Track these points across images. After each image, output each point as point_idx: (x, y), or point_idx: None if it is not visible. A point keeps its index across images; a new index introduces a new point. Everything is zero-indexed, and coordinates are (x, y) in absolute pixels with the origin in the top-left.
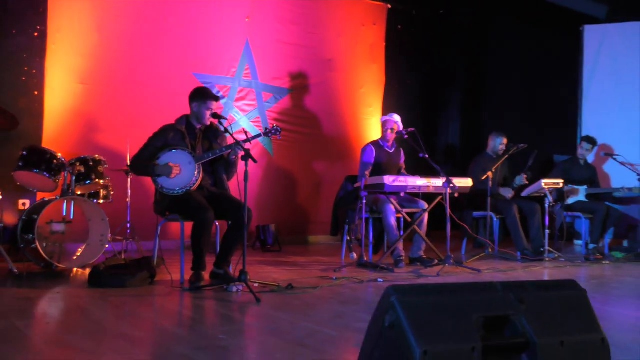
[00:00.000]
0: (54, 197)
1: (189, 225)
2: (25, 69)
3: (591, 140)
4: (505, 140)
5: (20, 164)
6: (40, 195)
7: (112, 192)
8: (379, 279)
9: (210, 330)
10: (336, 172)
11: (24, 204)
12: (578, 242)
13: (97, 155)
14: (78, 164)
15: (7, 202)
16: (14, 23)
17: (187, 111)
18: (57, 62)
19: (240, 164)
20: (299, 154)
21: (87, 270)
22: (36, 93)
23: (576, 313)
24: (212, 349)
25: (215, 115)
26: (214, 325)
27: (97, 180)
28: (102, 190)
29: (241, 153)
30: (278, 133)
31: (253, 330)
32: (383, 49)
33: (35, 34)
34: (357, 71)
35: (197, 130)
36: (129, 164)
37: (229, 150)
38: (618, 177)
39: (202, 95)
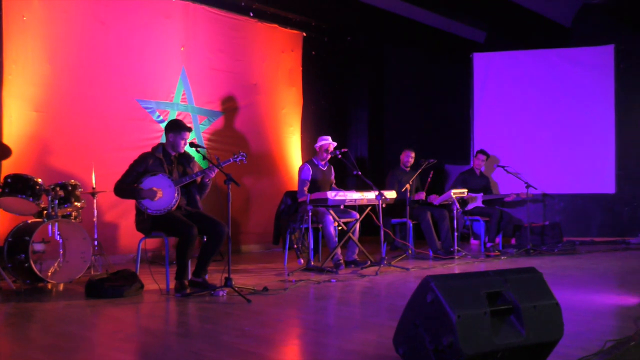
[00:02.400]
0: (41, 220)
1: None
2: None
3: (485, 153)
4: (413, 154)
5: (6, 190)
6: (2, 218)
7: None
8: (331, 280)
9: (233, 324)
10: (263, 186)
11: None
12: (474, 242)
13: (72, 180)
14: (58, 189)
15: None
16: None
17: (134, 134)
18: (13, 91)
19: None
20: (230, 170)
21: (62, 286)
22: None
23: (538, 287)
24: (248, 337)
25: (192, 145)
26: (231, 321)
27: (75, 203)
28: (73, 212)
29: (212, 175)
30: (244, 158)
31: (265, 322)
32: (300, 73)
33: None
34: (279, 94)
35: (172, 157)
36: (113, 187)
37: (203, 174)
38: (504, 184)
39: (177, 127)
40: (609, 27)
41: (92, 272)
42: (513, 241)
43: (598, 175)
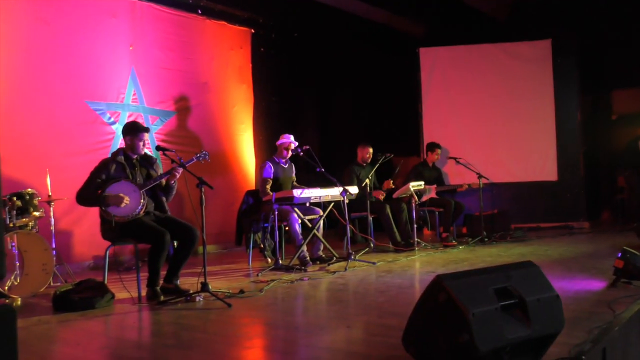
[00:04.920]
0: None
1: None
2: None
3: (440, 147)
4: (371, 150)
5: None
6: None
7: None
8: (304, 278)
9: (222, 331)
10: (217, 185)
11: None
12: (427, 232)
13: (29, 189)
14: (15, 199)
15: None
16: None
17: (85, 137)
18: None
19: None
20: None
21: (19, 300)
22: None
23: (539, 280)
24: (244, 345)
25: (159, 148)
26: (219, 328)
27: (34, 213)
28: (30, 222)
29: (177, 176)
30: (207, 156)
31: (254, 328)
32: (250, 70)
33: None
34: (230, 92)
35: (134, 160)
36: (75, 196)
37: (168, 175)
38: (453, 175)
39: (133, 129)
40: (544, 22)
41: (52, 283)
42: (464, 230)
43: (541, 164)
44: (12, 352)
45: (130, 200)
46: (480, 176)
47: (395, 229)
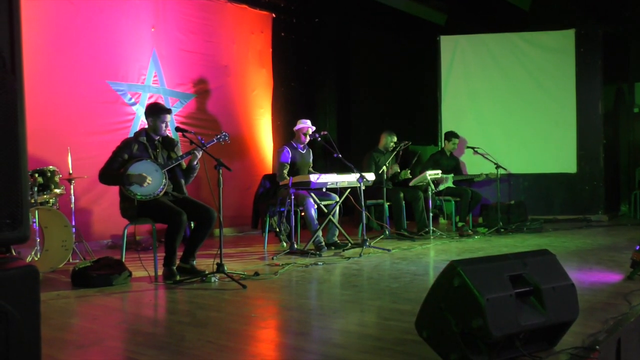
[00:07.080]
0: None
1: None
2: None
3: (457, 136)
4: (395, 138)
5: None
6: None
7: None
8: (318, 263)
9: (237, 311)
10: (235, 169)
11: None
12: (443, 221)
13: (51, 167)
14: (37, 175)
15: None
16: None
17: (106, 117)
18: None
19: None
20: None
21: (41, 275)
22: None
23: (554, 269)
24: (258, 325)
25: (178, 129)
26: (233, 308)
27: (55, 190)
28: (51, 199)
29: (199, 155)
30: (227, 138)
31: (268, 308)
32: (270, 54)
33: None
34: (249, 76)
35: (156, 142)
36: (98, 175)
37: (190, 156)
38: (471, 164)
39: (156, 111)
40: (567, 11)
41: (70, 260)
42: (481, 220)
43: (560, 155)
44: (35, 308)
45: (152, 180)
46: (498, 166)
47: (403, 216)
